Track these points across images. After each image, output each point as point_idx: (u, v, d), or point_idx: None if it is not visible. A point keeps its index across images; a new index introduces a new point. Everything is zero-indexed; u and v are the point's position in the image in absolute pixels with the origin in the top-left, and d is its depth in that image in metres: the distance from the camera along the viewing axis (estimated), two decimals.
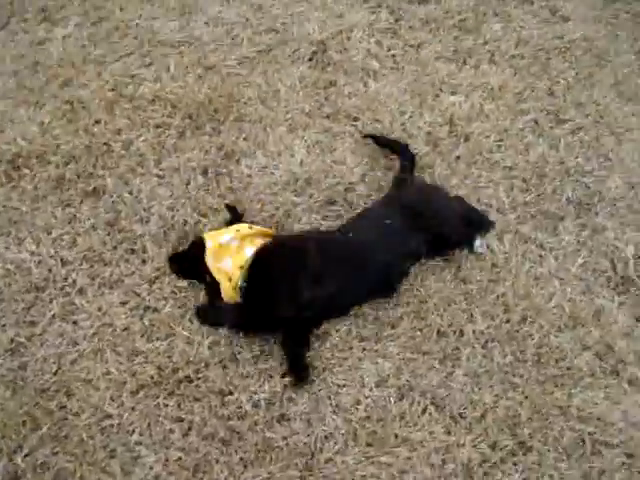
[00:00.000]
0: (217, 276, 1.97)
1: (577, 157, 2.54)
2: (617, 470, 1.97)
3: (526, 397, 2.05)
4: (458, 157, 2.48)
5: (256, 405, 1.95)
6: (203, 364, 1.98)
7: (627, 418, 2.06)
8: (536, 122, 2.61)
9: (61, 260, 2.09)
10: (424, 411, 2.00)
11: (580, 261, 2.33)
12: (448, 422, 1.99)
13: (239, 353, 2.01)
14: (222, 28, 2.64)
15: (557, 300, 2.23)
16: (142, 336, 2.01)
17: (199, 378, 1.96)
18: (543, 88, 2.71)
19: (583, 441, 2.01)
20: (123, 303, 2.06)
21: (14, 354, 1.97)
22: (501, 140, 2.55)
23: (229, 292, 1.97)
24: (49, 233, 2.14)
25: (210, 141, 2.36)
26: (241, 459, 1.87)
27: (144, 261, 2.12)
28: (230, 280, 1.96)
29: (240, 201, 2.24)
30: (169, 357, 1.98)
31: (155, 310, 2.05)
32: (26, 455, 1.83)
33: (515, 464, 1.96)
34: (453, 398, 2.02)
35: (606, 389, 2.11)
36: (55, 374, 1.94)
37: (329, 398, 1.99)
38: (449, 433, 1.97)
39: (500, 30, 2.84)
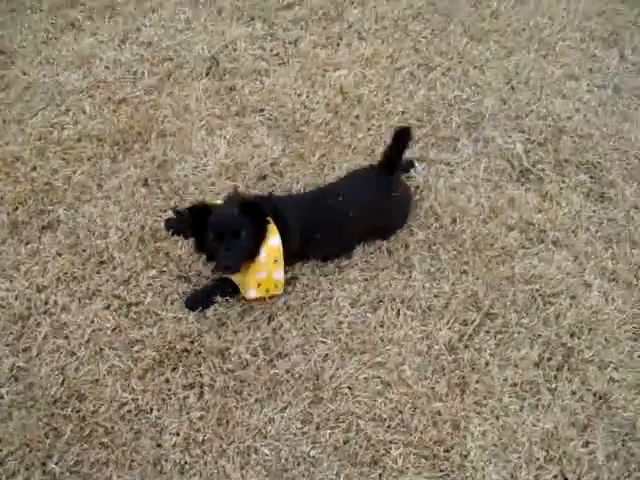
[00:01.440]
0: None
1: (454, 91, 2.98)
2: (567, 310, 2.31)
3: (477, 278, 2.38)
4: (357, 116, 2.85)
5: (254, 353, 2.14)
6: (196, 334, 2.16)
7: (561, 270, 2.43)
8: (412, 74, 3.04)
9: (37, 288, 2.22)
10: (398, 313, 2.27)
11: (483, 167, 2.73)
12: (421, 316, 2.26)
13: (225, 315, 2.21)
14: (122, 68, 2.91)
15: (476, 200, 2.60)
16: (133, 328, 2.16)
17: (196, 346, 2.13)
18: (409, 47, 3.17)
19: (534, 298, 2.36)
20: (106, 307, 2.21)
21: (17, 379, 2.06)
22: (388, 94, 2.95)
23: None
24: (18, 269, 2.27)
25: (142, 157, 2.59)
26: (256, 400, 2.05)
27: (114, 267, 2.29)
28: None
29: (184, 197, 2.47)
30: (163, 338, 2.15)
31: (137, 304, 2.22)
32: (57, 461, 1.92)
33: (487, 332, 2.27)
34: (418, 296, 2.31)
35: (537, 254, 2.49)
36: (62, 384, 2.05)
37: (314, 328, 2.22)
38: (425, 324, 2.25)
39: (359, 13, 3.30)
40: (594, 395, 2.19)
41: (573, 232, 2.60)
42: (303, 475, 1.94)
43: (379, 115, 2.86)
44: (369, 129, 2.81)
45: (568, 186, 2.75)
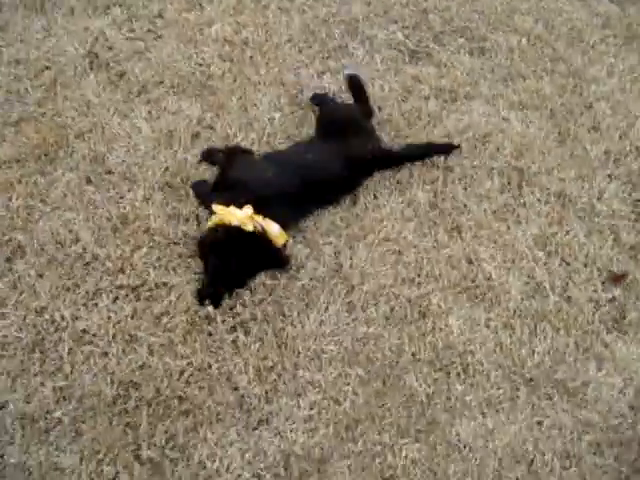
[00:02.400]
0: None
1: (323, 8, 3.17)
2: (502, 141, 2.63)
3: None
4: (251, 57, 2.95)
5: (274, 277, 2.23)
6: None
7: (482, 115, 2.75)
8: (279, 7, 3.18)
9: (36, 311, 2.12)
10: (375, 196, 2.45)
11: (379, 60, 2.97)
12: (396, 189, 2.46)
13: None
14: (1, 91, 2.75)
15: (388, 86, 2.84)
16: (151, 305, 2.15)
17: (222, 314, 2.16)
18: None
19: (473, 143, 2.69)
20: (115, 300, 2.17)
21: (66, 398, 1.98)
22: (267, 31, 3.08)
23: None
24: (6, 305, 2.14)
25: (72, 160, 2.50)
26: (298, 313, 2.16)
27: (103, 263, 2.23)
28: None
29: (135, 185, 2.45)
30: (184, 300, 2.16)
31: (143, 284, 2.20)
32: (148, 447, 1.90)
33: (452, 182, 2.54)
34: (389, 174, 2.50)
35: (457, 110, 2.80)
36: (112, 384, 2.00)
37: (313, 234, 2.34)
38: (403, 194, 2.45)
39: None
40: (555, 195, 2.54)
41: (475, 83, 2.93)
42: (372, 351, 2.08)
43: (270, 49, 2.98)
44: (267, 63, 2.92)
45: (453, 52, 3.07)
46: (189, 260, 2.27)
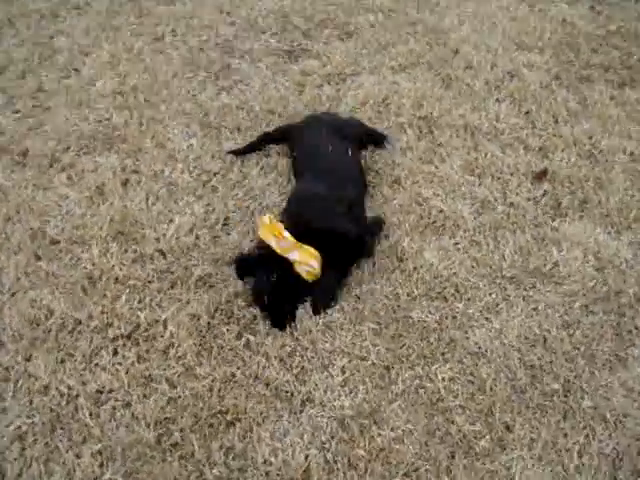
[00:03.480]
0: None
1: None
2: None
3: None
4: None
5: None
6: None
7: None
8: None
9: (39, 392, 2.04)
10: None
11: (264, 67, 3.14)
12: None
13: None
14: None
15: None
16: (153, 346, 2.14)
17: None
18: None
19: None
20: (115, 352, 2.14)
21: (107, 462, 1.91)
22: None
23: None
24: (4, 400, 2.04)
25: (14, 251, 2.44)
26: None
27: (88, 324, 2.20)
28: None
29: (86, 245, 2.43)
30: (184, 327, 2.18)
31: (136, 329, 2.19)
32: (211, 469, 1.89)
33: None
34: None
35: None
36: (149, 428, 1.97)
37: None
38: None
39: None
40: (462, 129, 2.85)
41: (355, 62, 3.23)
42: (372, 304, 2.22)
43: (161, 87, 3.08)
44: (164, 100, 3.02)
45: (325, 42, 3.41)
46: (170, 292, 2.28)
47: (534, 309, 2.20)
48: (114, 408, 2.01)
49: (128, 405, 2.02)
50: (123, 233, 2.46)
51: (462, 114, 2.92)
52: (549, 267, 2.32)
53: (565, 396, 1.98)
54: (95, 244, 2.43)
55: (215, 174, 2.71)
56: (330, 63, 3.21)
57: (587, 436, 1.90)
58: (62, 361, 2.12)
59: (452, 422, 1.92)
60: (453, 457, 1.85)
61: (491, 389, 1.99)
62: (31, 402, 2.02)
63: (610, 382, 2.01)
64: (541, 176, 2.62)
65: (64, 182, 2.69)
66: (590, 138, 2.81)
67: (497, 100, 3.00)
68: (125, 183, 2.67)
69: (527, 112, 2.95)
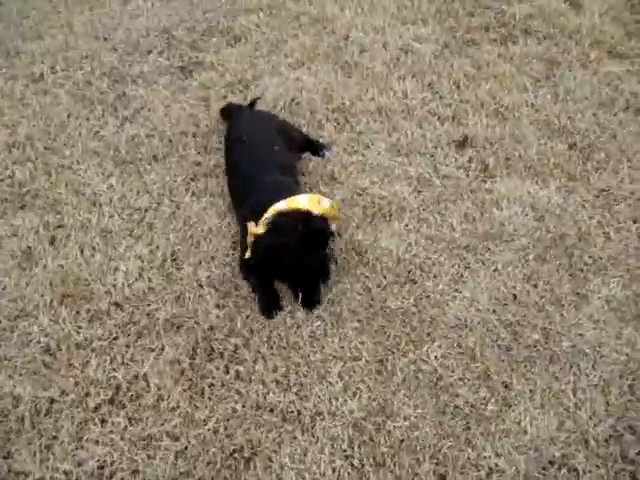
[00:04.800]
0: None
1: None
2: None
3: None
4: None
5: None
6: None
7: None
8: None
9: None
10: None
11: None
12: None
13: None
14: None
15: None
16: (141, 404, 2.03)
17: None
18: None
19: None
20: (102, 422, 2.01)
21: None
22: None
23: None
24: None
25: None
26: None
27: (63, 401, 2.04)
28: None
29: (31, 317, 2.24)
30: (168, 376, 2.08)
31: (117, 392, 2.07)
32: None
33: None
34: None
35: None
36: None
37: None
38: None
39: None
40: (375, 113, 2.91)
41: (252, 64, 3.21)
42: (346, 303, 2.24)
43: (57, 130, 2.87)
44: (65, 144, 2.83)
45: (215, 51, 3.32)
46: (139, 343, 2.17)
47: (495, 270, 2.33)
48: (122, 479, 1.89)
49: (136, 472, 1.91)
50: (69, 294, 2.29)
51: (372, 98, 2.98)
52: (496, 228, 2.45)
53: (546, 343, 2.12)
54: (42, 313, 2.24)
55: (146, 210, 2.57)
56: (227, 71, 3.14)
57: (575, 374, 2.05)
58: (48, 447, 1.96)
59: (457, 396, 2.00)
60: (469, 428, 1.93)
61: (481, 355, 2.09)
62: None
63: (579, 319, 2.18)
64: (463, 143, 2.75)
65: None
66: (494, 98, 2.98)
67: (399, 78, 3.09)
68: (53, 241, 2.47)
69: (430, 84, 3.07)
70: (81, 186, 2.65)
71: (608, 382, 2.02)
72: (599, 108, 2.93)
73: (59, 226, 2.53)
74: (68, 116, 2.94)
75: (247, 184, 2.37)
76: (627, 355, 2.07)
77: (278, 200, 2.18)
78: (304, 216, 2.12)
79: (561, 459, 1.85)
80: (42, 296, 2.29)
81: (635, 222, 2.46)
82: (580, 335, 2.14)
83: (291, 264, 2.11)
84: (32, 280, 2.34)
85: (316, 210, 2.17)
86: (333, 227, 2.21)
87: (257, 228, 2.15)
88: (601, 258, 2.35)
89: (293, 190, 2.30)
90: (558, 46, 3.32)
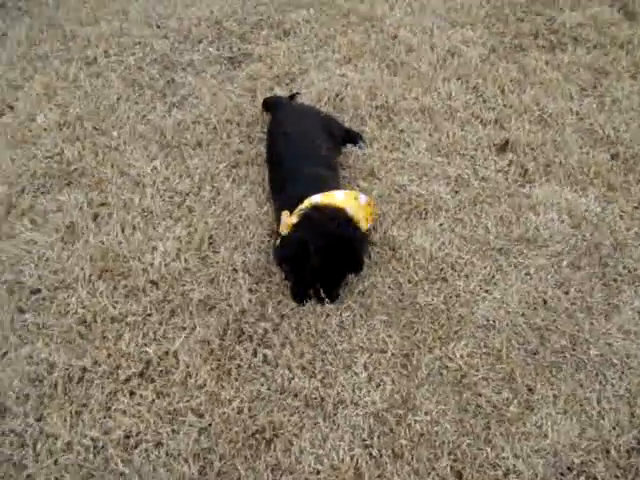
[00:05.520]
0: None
1: None
2: None
3: None
4: None
5: None
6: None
7: None
8: None
9: (63, 451, 1.96)
10: None
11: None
12: None
13: None
14: None
15: None
16: (169, 380, 2.09)
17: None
18: None
19: None
20: (131, 394, 2.07)
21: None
22: None
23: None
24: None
25: None
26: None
27: (95, 372, 2.12)
28: None
29: (70, 289, 2.32)
30: (197, 354, 2.14)
31: (147, 366, 2.13)
32: None
33: None
34: None
35: None
36: (187, 462, 1.94)
37: None
38: None
39: None
40: (419, 112, 2.92)
41: (300, 59, 3.24)
42: (376, 297, 2.26)
43: (107, 113, 2.96)
44: (114, 125, 2.92)
45: (264, 44, 3.37)
46: (172, 321, 2.23)
47: (527, 274, 2.32)
48: (146, 450, 1.96)
49: (160, 444, 1.97)
50: (107, 270, 2.37)
51: (415, 97, 2.99)
52: (531, 232, 2.44)
53: (573, 350, 2.11)
54: (80, 286, 2.33)
55: (187, 194, 2.64)
56: (275, 64, 3.19)
57: (601, 382, 2.04)
58: (78, 414, 2.04)
59: (479, 395, 2.00)
60: (489, 428, 1.94)
61: (507, 357, 2.09)
62: (56, 462, 1.94)
63: (609, 329, 2.16)
64: (504, 146, 2.74)
65: (28, 227, 2.54)
66: (537, 104, 2.96)
67: (444, 79, 3.10)
68: (95, 218, 2.56)
69: (475, 87, 3.06)
70: (126, 167, 2.73)
71: (634, 394, 2.00)
72: None
73: (102, 204, 2.61)
74: (118, 99, 3.03)
75: (287, 175, 2.41)
76: None
77: (315, 193, 2.21)
78: (337, 216, 2.15)
79: (580, 466, 1.84)
80: (82, 270, 2.37)
81: None
82: (609, 345, 2.12)
83: (314, 263, 2.12)
84: (73, 254, 2.42)
85: (352, 207, 2.19)
86: (364, 227, 2.22)
87: (291, 218, 2.19)
88: (636, 269, 2.32)
89: (331, 184, 2.33)
90: (608, 56, 3.27)
